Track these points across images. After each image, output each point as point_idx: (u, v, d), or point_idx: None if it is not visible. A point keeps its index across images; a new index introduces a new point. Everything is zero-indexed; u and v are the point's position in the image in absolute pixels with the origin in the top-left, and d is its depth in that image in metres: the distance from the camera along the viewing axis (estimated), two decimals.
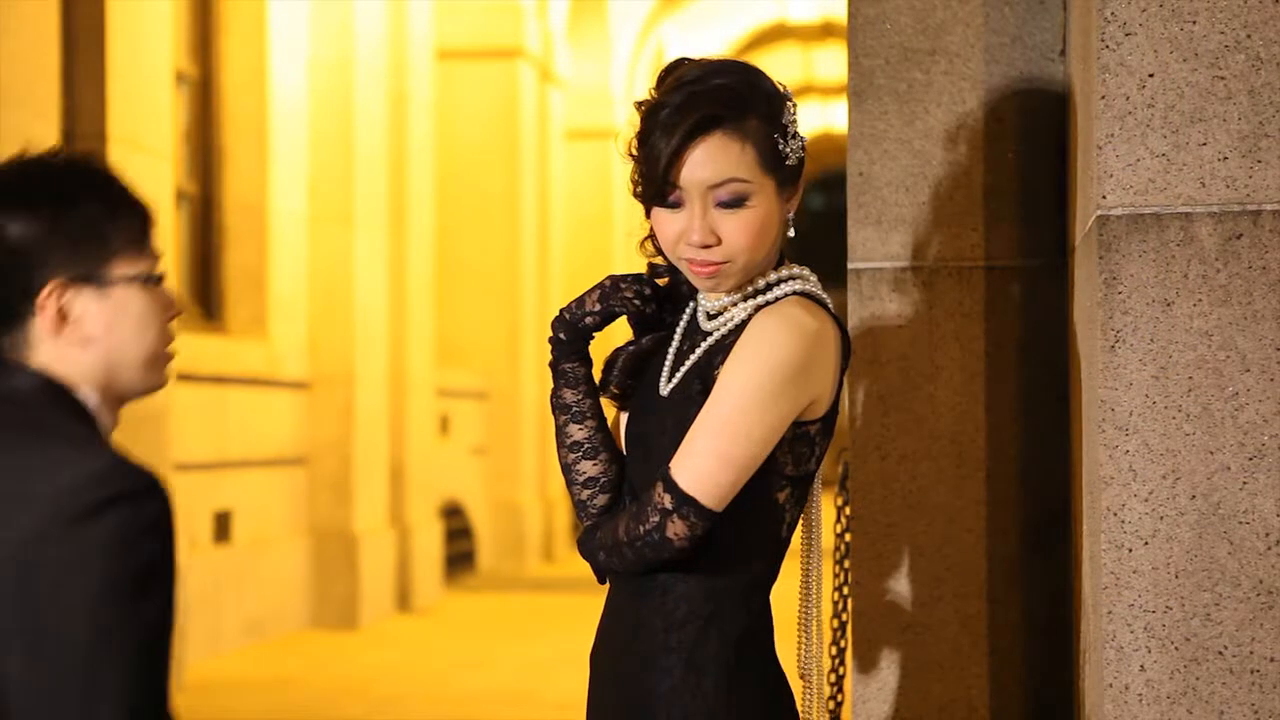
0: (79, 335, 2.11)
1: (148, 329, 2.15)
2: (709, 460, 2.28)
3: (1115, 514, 2.34)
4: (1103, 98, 2.37)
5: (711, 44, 18.90)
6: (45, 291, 2.09)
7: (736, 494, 2.31)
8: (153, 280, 2.14)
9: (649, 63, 18.86)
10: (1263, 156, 2.33)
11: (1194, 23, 2.35)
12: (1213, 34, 2.35)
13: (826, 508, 3.33)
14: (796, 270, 2.42)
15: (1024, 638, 3.09)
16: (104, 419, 2.15)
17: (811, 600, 2.53)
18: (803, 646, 2.53)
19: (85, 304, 2.11)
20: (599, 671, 2.45)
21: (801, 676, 2.52)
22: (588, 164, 17.42)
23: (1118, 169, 2.36)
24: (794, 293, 2.39)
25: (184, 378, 8.88)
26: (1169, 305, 2.33)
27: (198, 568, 9.26)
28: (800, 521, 2.48)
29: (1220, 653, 2.31)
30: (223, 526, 9.88)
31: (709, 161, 2.32)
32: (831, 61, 21.10)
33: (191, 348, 8.95)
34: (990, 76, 3.12)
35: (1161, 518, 2.33)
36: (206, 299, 10.45)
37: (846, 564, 3.35)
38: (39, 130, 7.37)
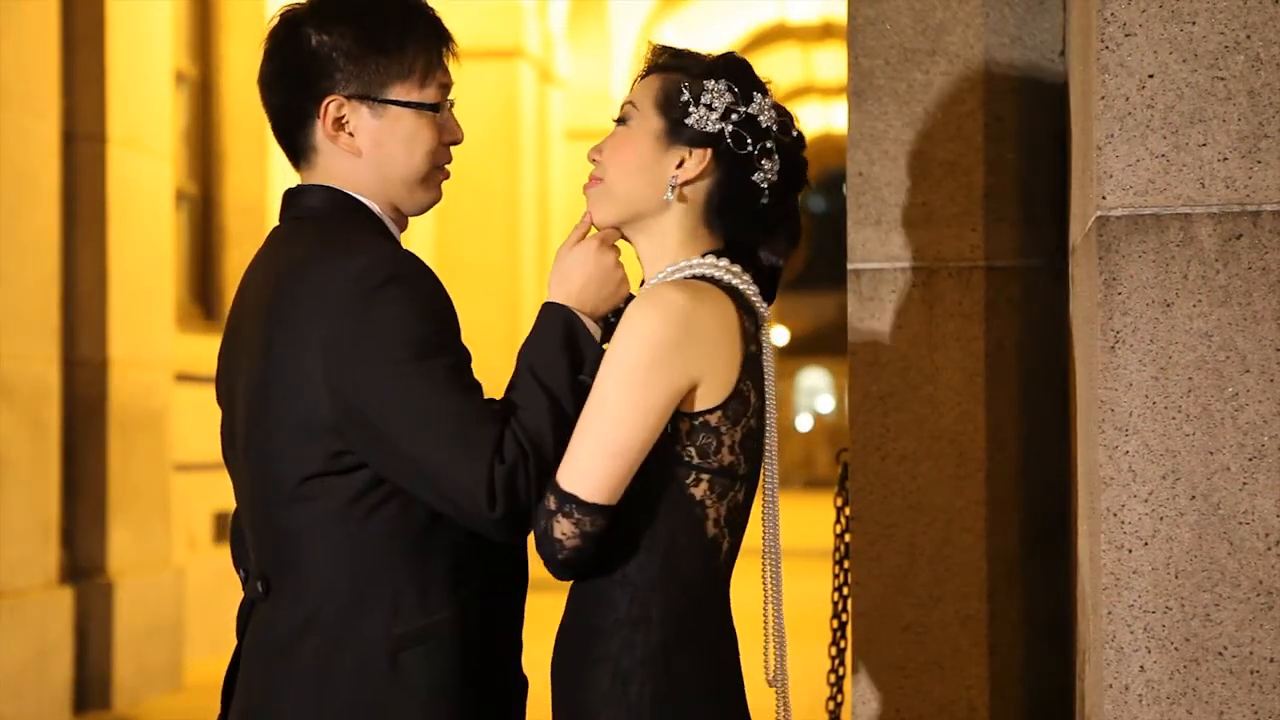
0: (351, 147, 2.38)
1: (414, 151, 2.39)
2: (584, 451, 2.24)
3: (1115, 514, 2.34)
4: (1102, 98, 2.37)
5: (712, 44, 18.87)
6: (326, 100, 2.36)
7: (646, 490, 2.26)
8: (430, 108, 2.38)
9: None
10: (1262, 157, 2.33)
11: (1194, 23, 2.35)
12: (1212, 35, 2.35)
13: (825, 508, 3.33)
14: (710, 260, 2.38)
15: (1024, 638, 3.09)
16: (390, 227, 2.42)
17: (772, 606, 2.44)
18: (768, 655, 2.45)
19: (359, 120, 2.38)
20: (552, 683, 2.42)
21: (770, 685, 2.45)
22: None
23: (1117, 169, 2.36)
24: (690, 276, 2.36)
25: (184, 378, 8.87)
26: (1169, 306, 2.33)
27: (197, 568, 9.26)
28: (763, 525, 2.43)
29: (1220, 653, 2.31)
30: (223, 526, 9.88)
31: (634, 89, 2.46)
32: (831, 62, 21.09)
33: (191, 348, 8.94)
34: (990, 77, 3.12)
35: (1161, 518, 2.32)
36: (206, 299, 10.44)
37: (846, 564, 3.35)
38: (39, 130, 7.37)
